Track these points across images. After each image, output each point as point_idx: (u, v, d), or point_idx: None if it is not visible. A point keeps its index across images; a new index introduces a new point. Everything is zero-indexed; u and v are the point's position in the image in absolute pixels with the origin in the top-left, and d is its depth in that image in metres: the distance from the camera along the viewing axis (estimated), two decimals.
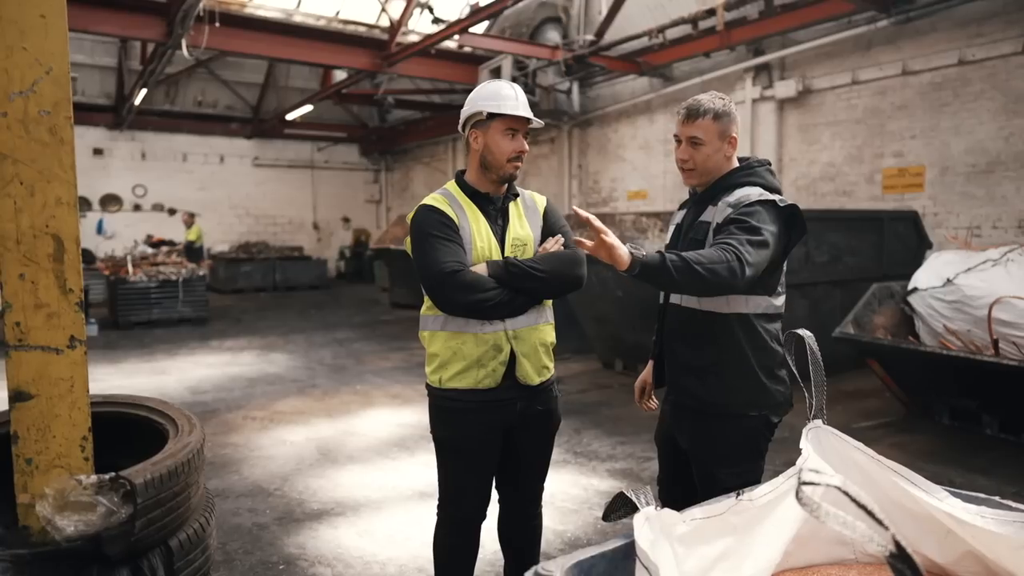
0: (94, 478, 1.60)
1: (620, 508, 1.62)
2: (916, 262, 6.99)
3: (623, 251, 1.82)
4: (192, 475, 1.71)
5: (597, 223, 1.82)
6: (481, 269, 2.14)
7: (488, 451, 2.27)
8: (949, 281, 4.99)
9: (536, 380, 2.24)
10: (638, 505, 1.55)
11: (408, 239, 2.27)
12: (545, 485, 2.48)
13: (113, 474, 1.56)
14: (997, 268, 4.89)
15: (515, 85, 2.26)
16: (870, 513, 1.14)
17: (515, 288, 2.14)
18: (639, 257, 1.81)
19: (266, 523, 3.59)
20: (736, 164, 2.18)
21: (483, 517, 2.35)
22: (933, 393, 5.13)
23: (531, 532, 2.48)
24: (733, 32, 9.09)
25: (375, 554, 3.24)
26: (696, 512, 1.63)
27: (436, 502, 2.38)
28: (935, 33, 7.81)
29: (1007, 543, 1.61)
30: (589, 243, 1.85)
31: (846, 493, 1.15)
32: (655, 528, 1.54)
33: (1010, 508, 1.67)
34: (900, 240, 7.09)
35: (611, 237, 1.82)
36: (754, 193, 2.05)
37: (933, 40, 7.82)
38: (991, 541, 1.65)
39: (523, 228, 2.28)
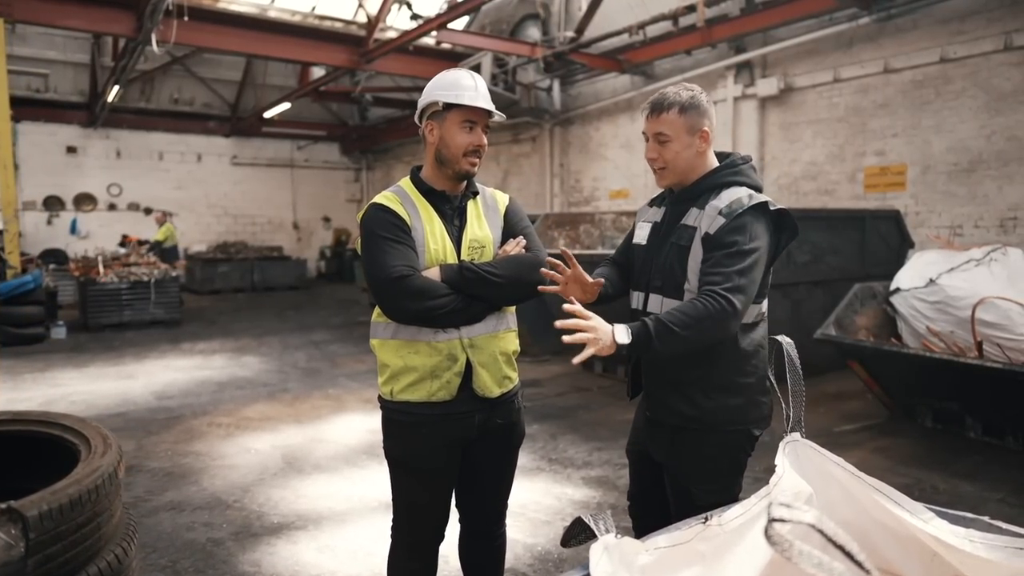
0: None
1: (580, 534, 1.48)
2: (898, 262, 6.92)
3: (607, 340, 1.74)
4: (102, 502, 1.54)
5: (579, 311, 1.76)
6: (434, 273, 1.98)
7: (444, 469, 2.11)
8: (932, 281, 4.89)
9: (496, 392, 2.08)
10: (596, 533, 1.41)
11: (358, 240, 2.10)
12: (514, 498, 2.33)
13: (5, 504, 1.38)
14: (980, 268, 4.80)
15: (475, 75, 2.10)
16: (848, 554, 1.00)
17: (470, 294, 1.99)
18: (628, 346, 1.75)
19: (221, 538, 3.40)
20: (715, 161, 2.03)
21: (440, 539, 2.19)
22: (916, 395, 5.04)
23: (494, 553, 2.32)
24: (714, 29, 8.99)
25: (334, 572, 3.07)
26: (660, 540, 1.48)
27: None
28: (917, 31, 7.74)
29: (998, 570, 1.47)
30: (584, 334, 1.74)
31: (821, 531, 1.01)
32: (614, 559, 1.39)
33: (1000, 531, 1.54)
34: (882, 239, 7.01)
35: (593, 323, 1.75)
36: (744, 196, 1.90)
37: (915, 38, 7.76)
38: (981, 568, 1.52)
39: (482, 229, 2.11)
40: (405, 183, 2.14)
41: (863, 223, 6.88)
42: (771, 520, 1.04)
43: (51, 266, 12.94)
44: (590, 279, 2.04)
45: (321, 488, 4.05)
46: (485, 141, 2.08)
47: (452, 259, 2.03)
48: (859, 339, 5.02)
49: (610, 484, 4.07)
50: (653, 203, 2.20)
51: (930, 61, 7.61)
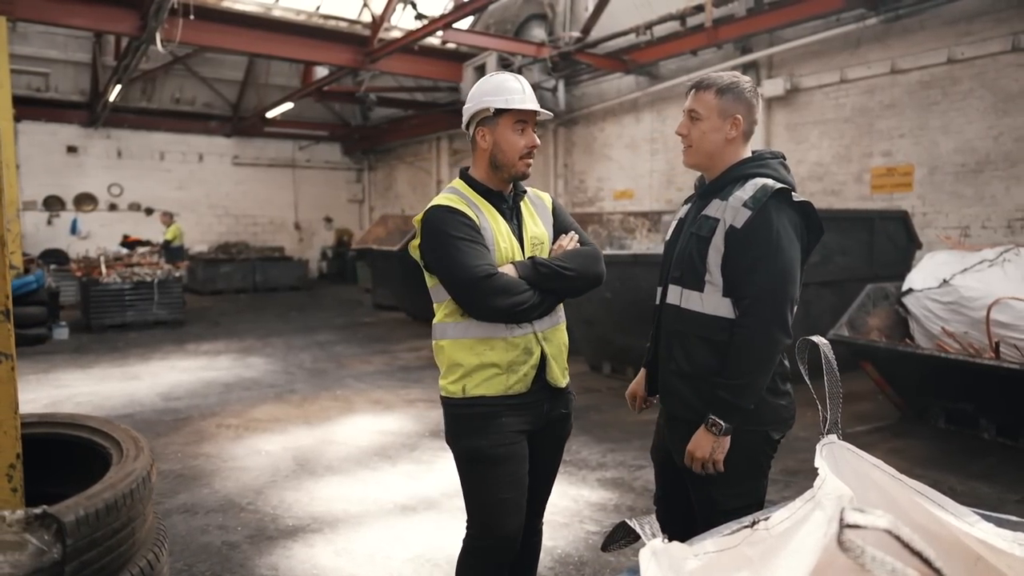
0: (20, 513, 1.39)
1: (621, 538, 1.46)
2: (906, 262, 6.91)
3: (706, 443, 1.92)
4: (136, 507, 1.51)
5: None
6: (509, 270, 2.01)
7: (522, 456, 2.10)
8: (945, 282, 4.87)
9: (563, 382, 2.15)
10: (643, 537, 1.38)
11: (415, 242, 2.09)
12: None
13: (41, 509, 1.35)
14: (994, 268, 4.78)
15: (519, 76, 2.13)
16: (926, 561, 0.98)
17: (544, 288, 2.04)
18: (727, 425, 1.89)
19: (237, 541, 3.37)
20: (746, 154, 2.02)
21: (520, 536, 2.13)
22: (929, 396, 5.02)
23: (532, 548, 2.32)
24: (720, 29, 8.96)
25: (353, 575, 3.04)
26: (708, 545, 1.46)
27: (423, 517, 2.18)
28: (924, 31, 7.73)
29: None
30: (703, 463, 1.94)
31: (898, 537, 0.98)
32: (663, 564, 1.36)
33: None
34: (890, 240, 6.99)
35: (696, 452, 1.94)
36: (769, 185, 1.89)
37: (922, 38, 7.74)
38: None
39: (537, 226, 2.18)
40: (461, 185, 2.16)
41: (871, 224, 6.86)
42: (845, 526, 1.01)
43: (52, 266, 12.88)
44: (642, 389, 2.31)
45: (335, 490, 4.02)
46: (538, 141, 2.11)
47: (519, 256, 2.09)
48: (872, 340, 4.99)
49: (626, 486, 4.04)
50: (686, 202, 2.19)
51: (937, 62, 7.59)
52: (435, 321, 2.13)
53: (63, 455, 1.83)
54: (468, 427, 2.07)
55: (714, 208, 1.96)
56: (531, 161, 2.10)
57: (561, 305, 2.20)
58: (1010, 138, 7.12)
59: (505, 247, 2.05)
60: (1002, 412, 4.63)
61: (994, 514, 1.63)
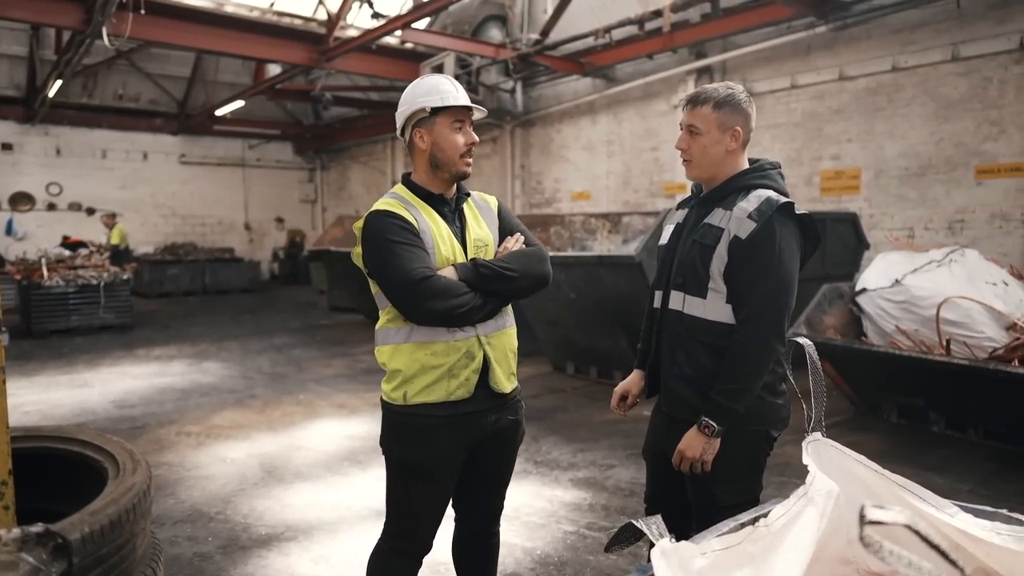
0: (16, 532, 1.33)
1: (627, 539, 1.50)
2: (855, 263, 7.18)
3: (698, 443, 1.97)
4: (139, 522, 1.46)
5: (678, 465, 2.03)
6: (449, 272, 1.98)
7: (455, 471, 2.10)
8: (897, 282, 5.08)
9: (508, 388, 2.11)
10: (651, 537, 1.42)
11: (357, 249, 2.06)
12: (506, 501, 2.34)
13: (41, 527, 1.30)
14: (942, 269, 5.01)
15: (450, 78, 2.12)
16: (942, 553, 1.03)
17: (486, 290, 2.00)
18: (720, 427, 1.95)
19: (209, 552, 3.29)
20: (746, 164, 2.07)
21: (431, 546, 2.17)
22: (882, 392, 5.22)
23: (490, 551, 2.32)
24: (676, 34, 9.13)
25: None
26: (714, 543, 1.50)
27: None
28: (870, 40, 8.03)
29: None
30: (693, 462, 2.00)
31: (916, 532, 1.04)
32: (672, 563, 1.41)
33: (1021, 523, 1.62)
34: (840, 241, 7.24)
35: (687, 452, 1.99)
36: (773, 197, 1.94)
37: (868, 47, 8.05)
38: (1007, 559, 1.58)
39: (481, 228, 2.14)
40: (401, 190, 2.12)
41: (823, 225, 7.07)
42: (866, 522, 1.06)
43: None
44: (635, 388, 2.27)
45: (306, 497, 3.95)
46: (477, 138, 2.11)
47: (461, 259, 2.05)
48: (830, 338, 5.17)
49: (599, 485, 4.08)
50: (680, 206, 2.23)
51: (883, 69, 7.90)
52: (377, 326, 2.10)
53: (51, 470, 1.76)
54: (405, 437, 2.04)
55: (717, 217, 1.99)
56: (471, 160, 2.08)
57: (509, 308, 2.17)
58: (950, 143, 7.46)
59: (446, 250, 2.02)
60: (951, 406, 4.85)
61: (971, 505, 1.72)
